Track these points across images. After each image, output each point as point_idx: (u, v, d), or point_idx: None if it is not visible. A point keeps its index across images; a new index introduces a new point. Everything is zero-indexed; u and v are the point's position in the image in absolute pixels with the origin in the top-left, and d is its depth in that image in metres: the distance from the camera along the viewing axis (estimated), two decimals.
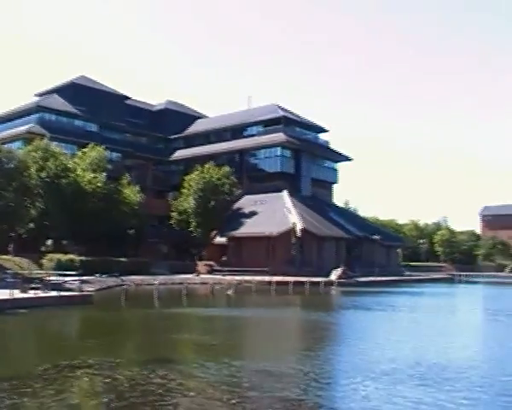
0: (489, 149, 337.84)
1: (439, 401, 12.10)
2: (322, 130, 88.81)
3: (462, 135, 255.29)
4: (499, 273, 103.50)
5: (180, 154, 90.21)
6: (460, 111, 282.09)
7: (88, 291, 36.68)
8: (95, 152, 65.09)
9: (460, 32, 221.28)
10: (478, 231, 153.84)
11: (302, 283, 52.21)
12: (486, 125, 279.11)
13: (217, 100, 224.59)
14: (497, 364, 17.19)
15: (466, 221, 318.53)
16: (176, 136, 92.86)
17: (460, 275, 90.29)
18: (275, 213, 68.95)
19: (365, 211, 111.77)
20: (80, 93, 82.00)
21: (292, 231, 65.20)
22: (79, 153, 66.40)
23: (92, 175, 60.74)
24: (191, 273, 60.36)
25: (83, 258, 52.54)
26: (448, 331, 25.95)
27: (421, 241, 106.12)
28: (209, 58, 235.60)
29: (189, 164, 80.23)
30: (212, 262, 68.19)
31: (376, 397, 12.41)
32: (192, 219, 70.51)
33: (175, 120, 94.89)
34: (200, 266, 66.70)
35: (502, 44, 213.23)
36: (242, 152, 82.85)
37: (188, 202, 71.06)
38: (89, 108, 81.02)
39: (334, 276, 61.03)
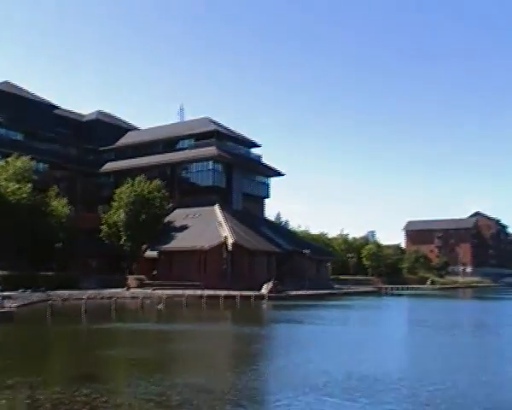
0: (413, 167, 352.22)
1: None
2: (255, 145, 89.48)
3: (386, 152, 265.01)
4: (422, 286, 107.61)
5: (111, 166, 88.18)
6: (382, 127, 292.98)
7: (9, 307, 34.95)
8: (19, 162, 62.48)
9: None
10: (403, 245, 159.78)
11: (233, 297, 52.08)
12: (407, 144, 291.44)
13: (148, 112, 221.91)
14: (424, 374, 17.64)
15: (392, 235, 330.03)
16: (106, 147, 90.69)
17: (386, 288, 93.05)
18: (206, 227, 68.59)
19: (296, 225, 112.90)
20: (4, 100, 78.63)
21: (223, 245, 65.05)
22: (2, 162, 63.52)
23: (16, 186, 58.23)
24: (121, 288, 58.92)
25: (5, 273, 50.12)
26: (378, 343, 26.54)
27: (350, 255, 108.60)
28: (142, 70, 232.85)
29: (120, 177, 78.56)
30: (142, 276, 66.83)
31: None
32: (122, 232, 68.97)
33: (106, 131, 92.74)
34: (131, 280, 65.21)
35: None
36: (174, 165, 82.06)
37: (118, 215, 69.46)
38: (13, 115, 77.84)
39: (265, 290, 61.24)
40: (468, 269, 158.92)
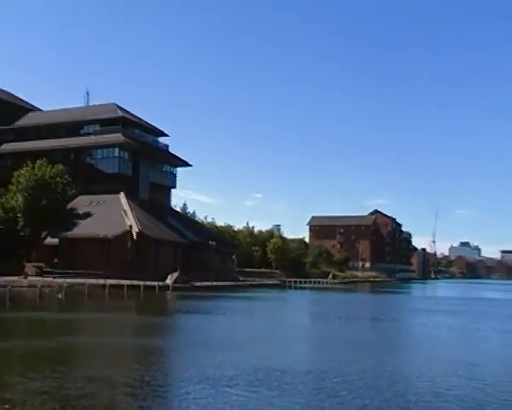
0: (317, 163, 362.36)
1: (273, 403, 12.52)
2: (163, 134, 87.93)
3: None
4: (323, 280, 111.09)
5: (8, 147, 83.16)
6: (288, 123, 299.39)
7: None
8: None
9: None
10: (307, 239, 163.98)
11: (137, 287, 51.11)
12: (312, 142, 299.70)
13: (52, 94, 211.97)
14: (329, 366, 18.06)
15: (297, 230, 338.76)
16: (4, 127, 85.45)
17: (290, 281, 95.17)
18: (111, 216, 66.71)
19: (203, 216, 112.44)
20: None
21: (128, 233, 63.61)
22: None
23: None
24: (18, 276, 55.93)
25: None
26: (284, 335, 26.90)
27: (256, 248, 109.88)
28: (46, 50, 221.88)
29: (19, 159, 74.16)
30: (42, 264, 63.78)
31: (210, 403, 12.39)
32: (20, 218, 65.40)
33: (3, 109, 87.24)
34: (29, 267, 62.03)
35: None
36: (78, 150, 78.92)
37: (16, 199, 65.77)
38: None
39: (169, 280, 60.66)
40: (367, 264, 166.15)
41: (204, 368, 16.20)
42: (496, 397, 13.82)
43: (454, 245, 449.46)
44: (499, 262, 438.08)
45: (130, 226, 64.11)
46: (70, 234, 64.59)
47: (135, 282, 53.13)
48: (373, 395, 13.57)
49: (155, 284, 54.69)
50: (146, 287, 51.52)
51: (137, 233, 63.79)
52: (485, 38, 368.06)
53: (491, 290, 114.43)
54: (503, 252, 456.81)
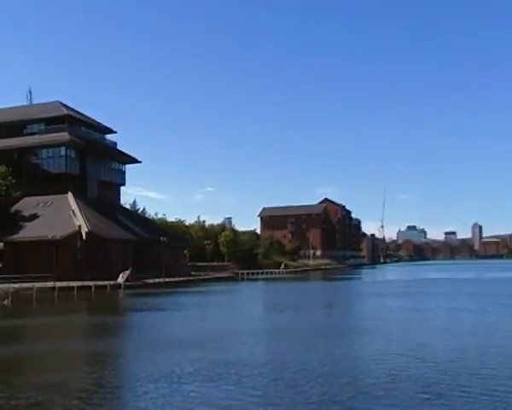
0: (267, 154, 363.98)
1: (233, 397, 12.61)
2: (110, 131, 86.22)
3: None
4: (276, 270, 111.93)
5: None
6: (236, 116, 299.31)
7: None
8: None
9: None
10: (258, 231, 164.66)
11: (88, 287, 50.18)
12: (261, 134, 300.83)
13: None
14: (287, 355, 18.24)
15: (248, 222, 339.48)
16: None
17: (243, 273, 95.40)
18: (58, 216, 65.01)
19: (153, 213, 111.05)
20: None
21: (77, 234, 62.20)
22: None
23: None
24: None
25: None
26: (240, 328, 26.98)
27: (207, 241, 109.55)
28: None
29: None
30: None
31: (168, 402, 12.35)
32: None
33: None
34: None
35: None
36: (22, 151, 76.21)
37: None
38: None
39: (121, 279, 59.76)
40: (318, 252, 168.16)
41: (161, 366, 16.08)
42: (447, 374, 14.36)
43: (401, 229, 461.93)
44: (443, 244, 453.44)
45: (80, 226, 62.69)
46: (15, 237, 62.60)
47: (85, 283, 52.12)
48: (331, 382, 13.80)
49: (106, 283, 53.80)
50: (97, 287, 50.67)
51: (87, 233, 62.45)
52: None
53: (436, 271, 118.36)
54: (447, 233, 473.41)
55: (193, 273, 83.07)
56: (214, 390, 13.24)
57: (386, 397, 12.33)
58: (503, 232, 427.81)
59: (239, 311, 37.71)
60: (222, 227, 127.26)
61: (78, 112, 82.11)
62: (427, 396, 12.22)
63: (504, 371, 14.82)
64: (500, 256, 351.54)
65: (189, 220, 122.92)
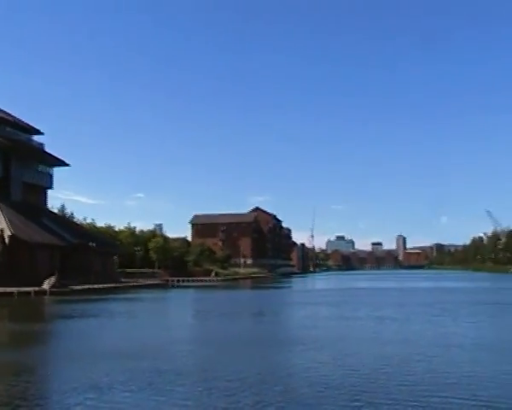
0: (199, 161, 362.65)
1: (164, 408, 12.45)
2: (37, 132, 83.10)
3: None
4: (206, 278, 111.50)
5: None
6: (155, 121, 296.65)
7: None
8: None
9: None
10: (189, 238, 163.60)
11: (10, 293, 48.07)
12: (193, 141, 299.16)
13: None
14: (220, 365, 18.06)
15: (179, 229, 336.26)
16: None
17: (173, 280, 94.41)
18: None
19: (82, 217, 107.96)
20: None
21: None
22: None
23: None
24: None
25: None
26: (171, 335, 26.64)
27: (137, 248, 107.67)
28: None
29: None
30: None
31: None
32: None
33: None
34: None
35: None
36: None
37: None
38: None
39: (47, 285, 57.62)
40: (249, 261, 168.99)
41: (91, 375, 15.60)
42: (377, 382, 14.73)
43: (331, 239, 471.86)
44: (370, 254, 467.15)
45: (2, 230, 60.06)
46: None
47: (8, 288, 49.89)
48: (265, 391, 13.81)
49: (31, 289, 51.73)
50: (20, 293, 48.64)
51: (10, 237, 59.92)
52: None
53: (363, 280, 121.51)
54: (374, 244, 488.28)
55: (122, 280, 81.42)
56: (145, 401, 12.98)
57: (319, 405, 12.51)
58: (425, 244, 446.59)
59: (170, 319, 37.30)
60: (152, 234, 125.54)
61: (2, 111, 78.68)
62: (359, 404, 12.50)
63: (428, 377, 15.36)
64: (422, 267, 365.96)
65: (120, 226, 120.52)
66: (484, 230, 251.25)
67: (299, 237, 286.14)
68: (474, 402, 12.53)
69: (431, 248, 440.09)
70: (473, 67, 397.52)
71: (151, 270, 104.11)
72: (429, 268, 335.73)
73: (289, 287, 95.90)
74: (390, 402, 12.63)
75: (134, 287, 75.73)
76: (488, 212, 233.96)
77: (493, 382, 14.73)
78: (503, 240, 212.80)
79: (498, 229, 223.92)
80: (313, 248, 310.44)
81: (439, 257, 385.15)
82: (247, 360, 18.59)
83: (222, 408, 12.28)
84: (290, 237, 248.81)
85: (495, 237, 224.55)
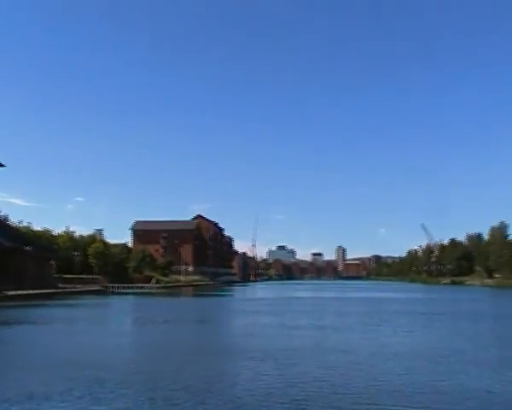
0: (141, 167, 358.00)
1: None
2: None
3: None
4: (147, 285, 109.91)
5: None
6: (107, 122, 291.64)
7: None
8: None
9: None
10: (130, 244, 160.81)
11: None
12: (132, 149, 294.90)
13: None
14: (162, 371, 17.91)
15: (120, 234, 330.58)
16: None
17: (112, 287, 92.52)
18: None
19: (17, 221, 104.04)
20: None
21: None
22: None
23: None
24: None
25: None
26: (113, 343, 26.11)
27: (76, 253, 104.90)
28: None
29: None
30: None
31: None
32: None
33: None
34: None
35: None
36: None
37: None
38: None
39: None
40: (190, 268, 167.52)
41: (28, 385, 15.13)
42: (321, 390, 15.00)
43: (272, 249, 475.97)
44: (311, 264, 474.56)
45: None
46: None
47: None
48: (209, 400, 13.81)
49: None
50: None
51: None
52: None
53: (304, 290, 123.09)
54: (314, 254, 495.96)
55: (60, 286, 79.11)
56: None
57: (249, 405, 12.65)
58: (364, 255, 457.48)
59: (111, 326, 36.50)
60: (92, 239, 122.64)
61: None
62: None
63: (370, 386, 15.75)
64: (360, 278, 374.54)
65: (58, 230, 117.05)
66: (419, 243, 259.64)
67: (240, 246, 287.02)
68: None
69: (369, 259, 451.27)
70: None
71: (90, 276, 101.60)
72: (367, 279, 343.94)
73: (231, 295, 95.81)
74: None
75: (72, 293, 73.72)
76: (422, 225, 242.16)
77: (431, 390, 15.26)
78: (436, 253, 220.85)
79: (432, 242, 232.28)
80: (255, 258, 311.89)
81: (378, 268, 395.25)
82: (191, 369, 18.47)
83: None
84: (232, 246, 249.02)
85: (428, 249, 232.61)
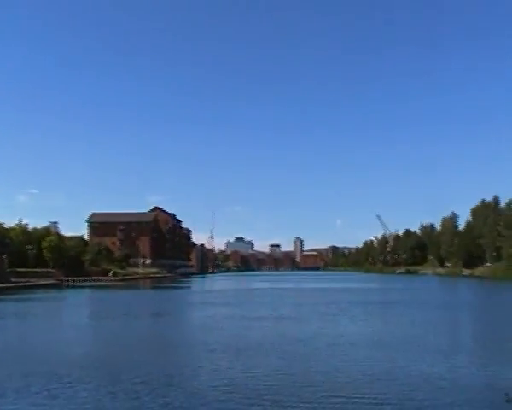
0: (97, 158, 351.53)
1: None
2: None
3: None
4: (104, 277, 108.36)
5: None
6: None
7: None
8: None
9: None
10: (86, 237, 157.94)
11: None
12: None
13: None
14: (123, 369, 17.87)
15: (76, 227, 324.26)
16: None
17: (68, 280, 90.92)
18: None
19: None
20: None
21: None
22: None
23: None
24: None
25: None
26: (69, 338, 25.77)
27: (30, 246, 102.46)
28: None
29: None
30: None
31: None
32: None
33: None
34: None
35: None
36: None
37: None
38: None
39: None
40: (148, 261, 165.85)
41: None
42: (274, 381, 15.24)
43: (230, 240, 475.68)
44: (269, 255, 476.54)
45: None
46: None
47: None
48: (172, 393, 13.88)
49: None
50: None
51: None
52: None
53: (262, 281, 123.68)
54: (272, 246, 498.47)
55: (13, 280, 77.09)
56: (43, 407, 12.60)
57: (225, 406, 12.77)
58: (321, 246, 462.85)
59: (67, 320, 35.97)
60: (47, 231, 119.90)
61: None
62: (265, 404, 12.87)
63: (330, 375, 16.11)
64: (318, 268, 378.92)
65: (10, 223, 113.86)
66: (375, 233, 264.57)
67: (198, 238, 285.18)
68: (372, 398, 13.36)
69: (326, 250, 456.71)
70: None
71: (45, 269, 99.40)
72: (325, 270, 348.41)
73: (188, 287, 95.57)
74: (294, 401, 13.12)
75: (25, 287, 72.08)
76: (378, 216, 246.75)
77: (388, 378, 15.68)
78: (391, 243, 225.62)
79: (387, 233, 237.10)
80: (213, 249, 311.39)
81: (334, 259, 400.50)
82: (151, 363, 18.43)
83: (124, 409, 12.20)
84: (190, 238, 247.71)
85: (384, 240, 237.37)
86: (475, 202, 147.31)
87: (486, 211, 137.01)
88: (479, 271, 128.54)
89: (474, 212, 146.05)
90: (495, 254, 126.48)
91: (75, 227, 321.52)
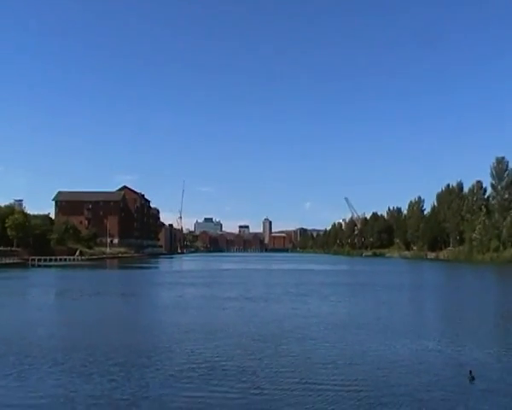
0: (62, 135, 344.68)
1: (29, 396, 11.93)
2: None
3: None
4: (70, 257, 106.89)
5: None
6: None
7: None
8: None
9: None
10: (53, 215, 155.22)
11: None
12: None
13: None
14: (95, 350, 17.66)
15: (42, 205, 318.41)
16: None
17: (33, 259, 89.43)
18: None
19: None
20: None
21: None
22: None
23: None
24: None
25: None
26: (35, 319, 25.36)
27: None
28: None
29: None
30: None
31: None
32: None
33: None
34: None
35: None
36: None
37: None
38: None
39: None
40: (116, 240, 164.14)
41: None
42: (248, 363, 15.28)
43: (199, 221, 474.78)
44: (237, 236, 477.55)
45: None
46: None
47: None
48: (143, 372, 13.84)
49: None
50: None
51: None
52: None
53: (231, 262, 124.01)
54: (241, 227, 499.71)
55: None
56: (10, 390, 12.43)
57: (201, 385, 12.76)
58: (289, 228, 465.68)
59: (33, 300, 35.41)
60: (11, 210, 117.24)
61: None
62: (244, 385, 12.91)
63: (301, 357, 16.22)
64: (286, 250, 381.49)
65: None
66: (343, 216, 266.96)
67: (167, 218, 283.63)
68: (351, 379, 13.50)
69: (295, 232, 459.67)
70: None
71: (9, 248, 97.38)
72: (293, 251, 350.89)
73: (157, 268, 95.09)
74: (271, 382, 13.17)
75: None
76: (346, 199, 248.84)
77: (360, 361, 15.80)
78: (359, 226, 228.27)
79: (355, 216, 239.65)
80: (181, 230, 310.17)
81: (303, 241, 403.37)
82: (125, 345, 18.21)
83: (99, 392, 12.06)
84: (158, 218, 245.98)
85: (352, 223, 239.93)
86: (441, 187, 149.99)
87: (451, 196, 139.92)
88: (443, 254, 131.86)
89: (439, 197, 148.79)
90: (458, 237, 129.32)
91: (41, 206, 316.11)
